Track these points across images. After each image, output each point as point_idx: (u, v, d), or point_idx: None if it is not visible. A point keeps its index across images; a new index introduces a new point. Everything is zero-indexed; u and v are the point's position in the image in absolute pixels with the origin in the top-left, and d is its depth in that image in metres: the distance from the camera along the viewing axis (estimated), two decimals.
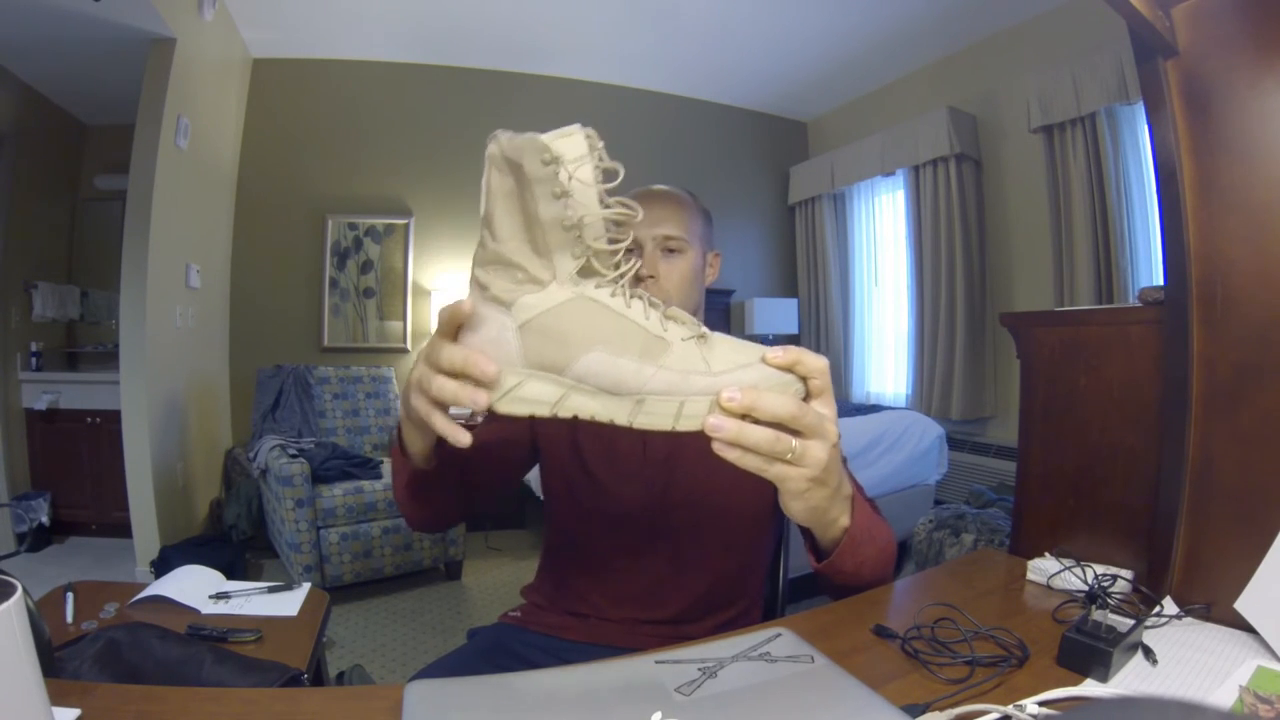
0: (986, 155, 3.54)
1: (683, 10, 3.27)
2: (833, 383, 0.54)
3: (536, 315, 0.49)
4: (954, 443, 3.34)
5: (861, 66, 3.92)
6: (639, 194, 0.94)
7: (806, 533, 0.67)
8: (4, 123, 3.07)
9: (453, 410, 0.52)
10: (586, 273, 0.49)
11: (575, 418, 0.49)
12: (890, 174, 3.98)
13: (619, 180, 0.48)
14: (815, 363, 0.50)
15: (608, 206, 0.48)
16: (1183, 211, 0.79)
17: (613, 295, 0.50)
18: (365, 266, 3.74)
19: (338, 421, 3.24)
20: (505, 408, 0.49)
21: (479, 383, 0.49)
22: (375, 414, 3.37)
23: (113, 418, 2.72)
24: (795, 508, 0.55)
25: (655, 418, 0.48)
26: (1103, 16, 1.36)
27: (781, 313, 4.42)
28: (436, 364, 0.51)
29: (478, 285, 0.51)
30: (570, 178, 0.46)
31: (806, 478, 0.51)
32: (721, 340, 0.51)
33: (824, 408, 0.51)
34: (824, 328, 4.50)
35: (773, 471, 0.50)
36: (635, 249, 0.90)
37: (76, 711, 0.52)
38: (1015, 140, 3.34)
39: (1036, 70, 3.05)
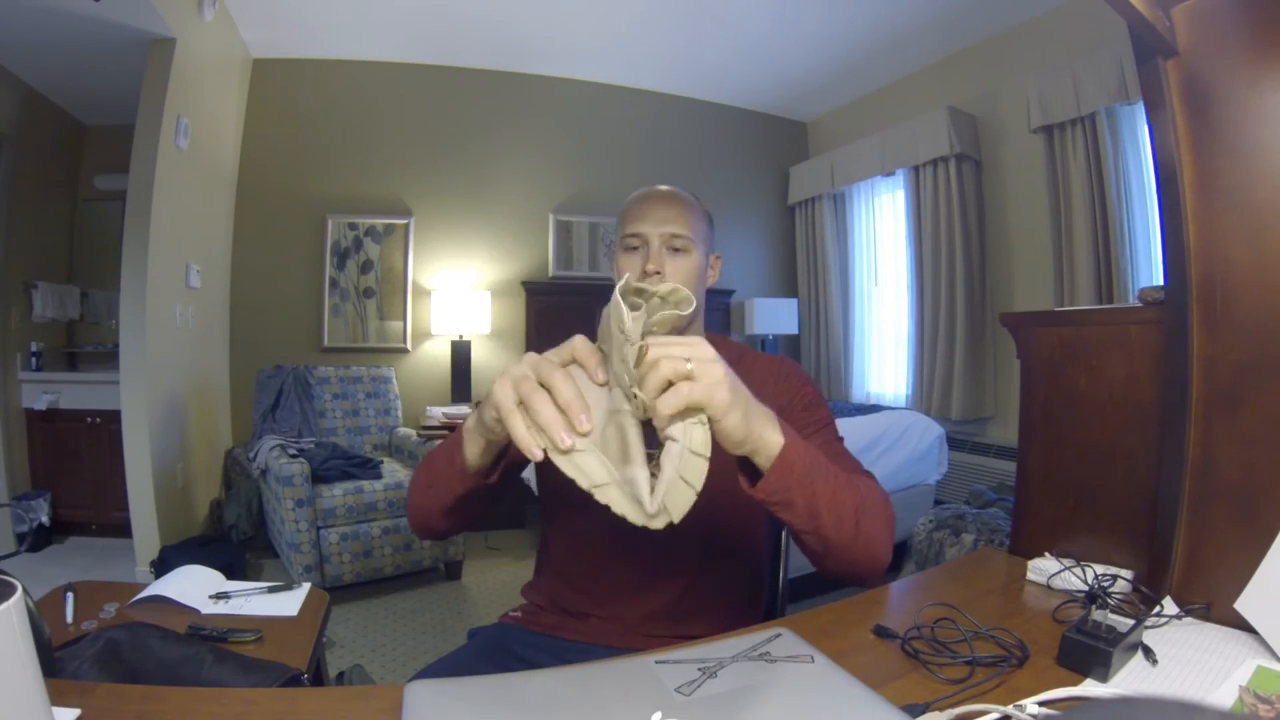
0: (986, 155, 3.54)
1: (683, 10, 3.27)
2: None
3: (623, 412, 0.55)
4: (954, 443, 3.34)
5: (861, 66, 3.92)
6: (646, 193, 0.95)
7: (743, 462, 0.67)
8: (4, 123, 3.07)
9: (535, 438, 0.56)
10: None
11: (607, 507, 0.53)
12: (890, 174, 3.98)
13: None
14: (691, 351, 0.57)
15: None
16: (1183, 211, 0.80)
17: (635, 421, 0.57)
18: (365, 266, 3.74)
19: (338, 421, 3.24)
20: (559, 460, 0.53)
21: (569, 426, 0.53)
22: (375, 414, 3.37)
23: (113, 418, 2.72)
24: (730, 423, 0.58)
25: (679, 502, 0.53)
26: (1103, 16, 1.36)
27: (781, 313, 4.42)
28: (548, 380, 0.55)
29: (602, 351, 0.59)
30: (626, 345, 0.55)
31: (715, 382, 0.56)
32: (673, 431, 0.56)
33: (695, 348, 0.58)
34: (824, 328, 4.50)
35: (695, 394, 0.55)
36: (642, 244, 0.91)
37: (76, 711, 0.52)
38: (1015, 140, 3.34)
39: (1036, 70, 3.05)
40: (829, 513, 0.68)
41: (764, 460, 0.64)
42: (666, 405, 0.53)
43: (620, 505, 0.53)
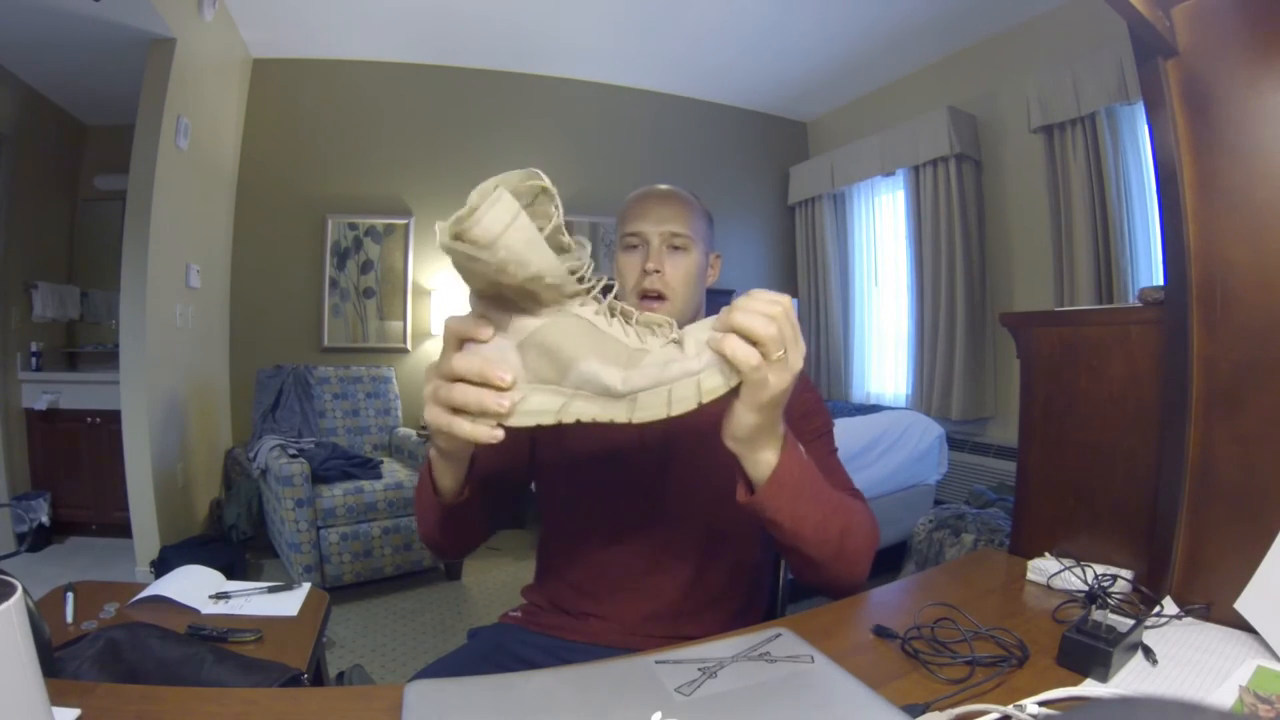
0: (986, 155, 3.54)
1: (683, 10, 3.27)
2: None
3: (531, 333, 0.53)
4: (954, 443, 3.34)
5: (861, 66, 3.92)
6: (645, 192, 0.95)
7: (738, 469, 0.67)
8: (4, 123, 3.07)
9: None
10: (567, 295, 0.54)
11: (579, 421, 0.53)
12: (890, 174, 3.97)
13: (558, 219, 0.51)
14: (775, 305, 0.56)
15: (563, 249, 0.52)
16: (1183, 211, 0.80)
17: (595, 313, 0.54)
18: (365, 266, 3.74)
19: (338, 421, 3.24)
20: (514, 421, 0.53)
21: (497, 389, 0.52)
22: (375, 414, 3.37)
23: (113, 418, 2.72)
24: (750, 421, 0.58)
25: (650, 409, 0.53)
26: (1103, 16, 1.35)
27: None
28: (451, 373, 0.53)
29: (476, 310, 0.56)
30: (498, 237, 0.48)
31: (781, 386, 0.56)
32: (692, 329, 0.56)
33: (796, 331, 0.57)
34: (824, 328, 4.50)
35: (759, 374, 0.54)
36: (641, 243, 0.91)
37: (76, 711, 0.52)
38: (1015, 140, 3.34)
39: (1036, 70, 3.05)
40: (813, 534, 0.70)
41: (756, 469, 0.65)
42: (742, 350, 0.53)
43: (590, 411, 0.52)
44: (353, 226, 3.71)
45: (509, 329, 0.53)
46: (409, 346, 3.81)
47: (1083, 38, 2.86)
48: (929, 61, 3.80)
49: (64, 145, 3.58)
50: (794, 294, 4.70)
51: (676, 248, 0.91)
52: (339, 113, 3.71)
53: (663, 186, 0.96)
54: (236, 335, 3.51)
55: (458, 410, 0.54)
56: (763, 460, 0.64)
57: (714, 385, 0.53)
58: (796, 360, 0.57)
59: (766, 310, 0.54)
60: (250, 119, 3.54)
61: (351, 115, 3.73)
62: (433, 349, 3.85)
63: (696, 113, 4.47)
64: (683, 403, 0.53)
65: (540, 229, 0.49)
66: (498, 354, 0.53)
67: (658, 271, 0.89)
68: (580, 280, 0.53)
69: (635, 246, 0.92)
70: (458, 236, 0.48)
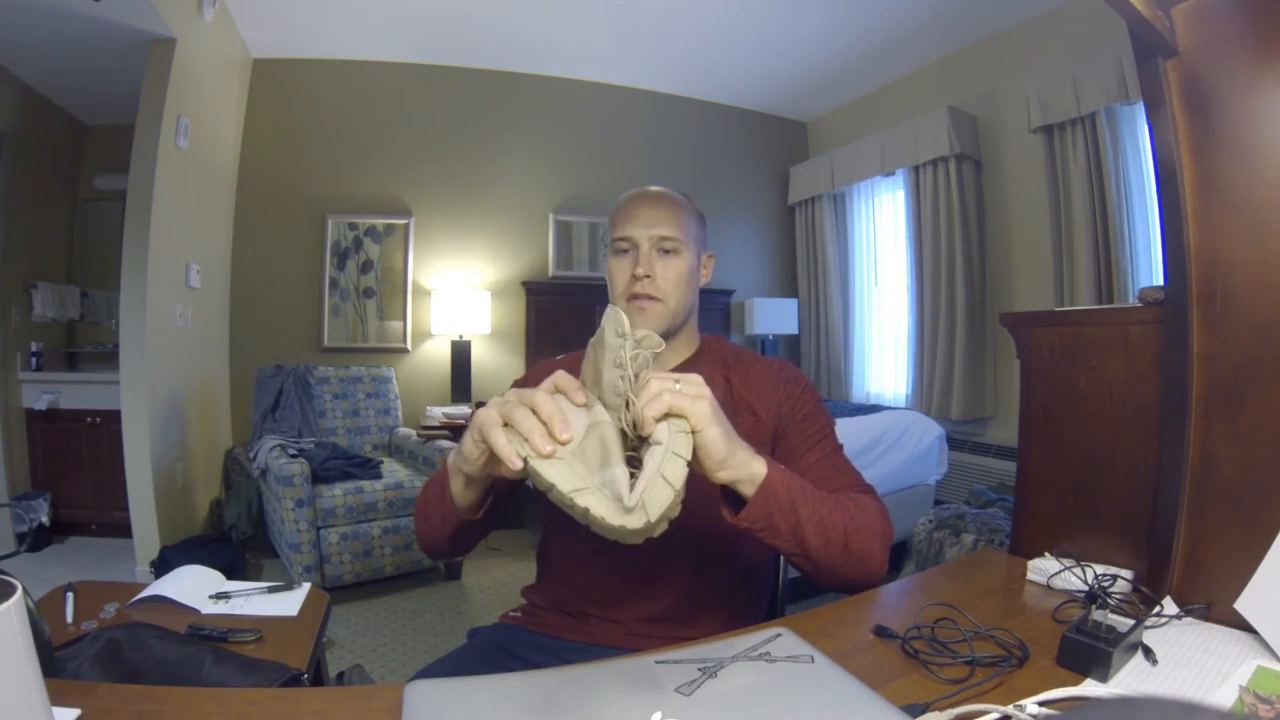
0: (986, 155, 3.54)
1: (682, 10, 3.27)
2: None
3: (600, 422, 0.60)
4: (954, 443, 3.34)
5: (861, 66, 3.92)
6: (635, 195, 0.95)
7: (726, 492, 0.70)
8: (4, 123, 3.07)
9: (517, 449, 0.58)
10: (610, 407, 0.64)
11: (586, 511, 0.54)
12: (890, 174, 3.97)
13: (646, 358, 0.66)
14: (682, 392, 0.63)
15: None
16: (1183, 211, 0.79)
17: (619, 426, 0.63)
18: (365, 266, 3.74)
19: (338, 421, 3.24)
20: (537, 465, 0.55)
21: (553, 437, 0.57)
22: (375, 414, 3.37)
23: (113, 418, 2.72)
24: (712, 435, 0.63)
25: (656, 502, 0.54)
26: (1103, 16, 1.36)
27: (781, 313, 4.42)
28: (531, 402, 0.58)
29: (582, 382, 0.66)
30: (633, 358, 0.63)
31: (697, 397, 0.62)
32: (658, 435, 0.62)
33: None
34: (824, 328, 4.50)
35: (681, 402, 0.61)
36: (631, 247, 0.91)
37: (76, 711, 0.52)
38: (1015, 140, 3.34)
39: (1036, 70, 3.05)
40: (815, 536, 0.71)
41: (747, 488, 0.68)
42: (652, 407, 0.59)
43: (599, 506, 0.54)
44: (353, 226, 3.71)
45: (593, 409, 0.62)
46: (409, 346, 3.81)
47: (1083, 38, 2.86)
48: (929, 61, 3.80)
49: (64, 145, 3.57)
50: (794, 294, 4.71)
51: (667, 250, 0.90)
52: (339, 113, 3.71)
53: (653, 188, 0.95)
54: (236, 335, 3.51)
55: (506, 425, 0.58)
56: (752, 469, 0.67)
57: (681, 441, 0.59)
58: (688, 387, 0.63)
59: (649, 385, 0.62)
60: (250, 119, 3.54)
61: (351, 115, 3.73)
62: (433, 349, 3.85)
63: (696, 113, 4.47)
64: (674, 471, 0.56)
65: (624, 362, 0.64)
66: (573, 417, 0.59)
67: (648, 276, 0.89)
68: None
69: (625, 251, 0.92)
70: (639, 341, 0.65)
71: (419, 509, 0.86)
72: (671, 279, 0.90)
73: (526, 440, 0.56)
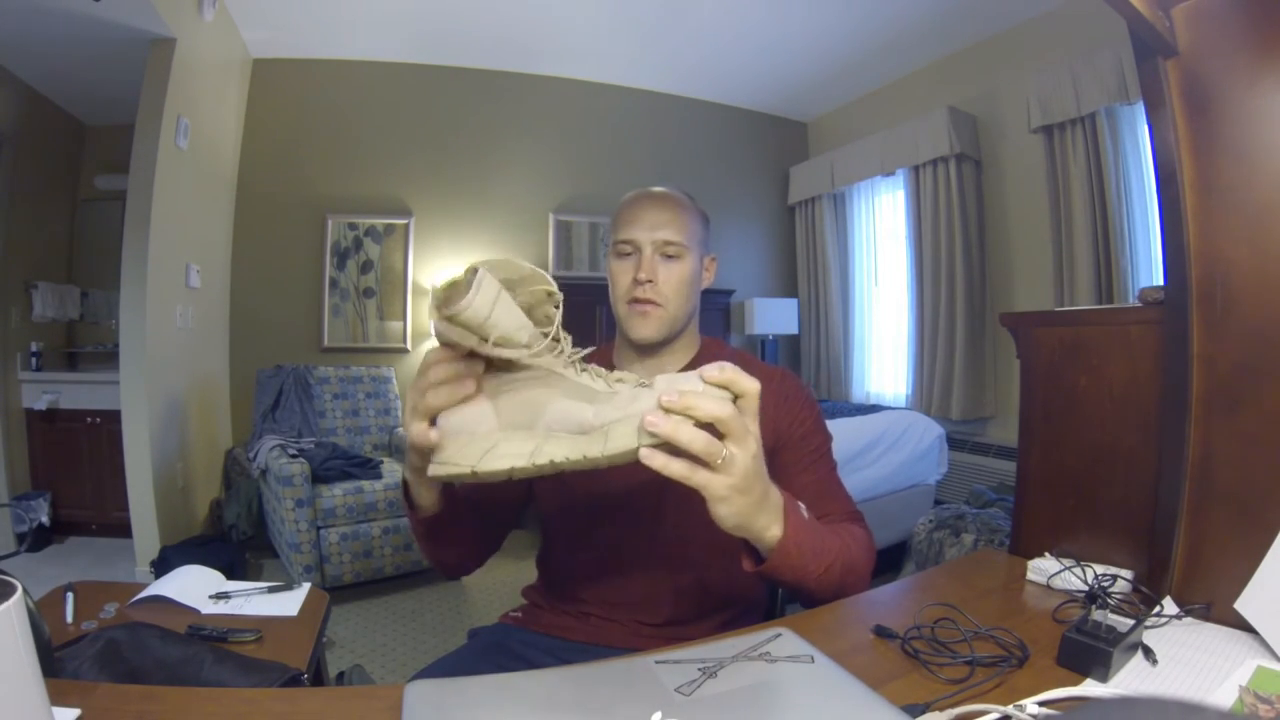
0: (986, 155, 3.54)
1: (682, 10, 3.27)
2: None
3: (503, 383, 0.56)
4: (954, 443, 3.34)
5: (861, 66, 3.91)
6: (638, 196, 0.93)
7: (740, 542, 0.68)
8: (4, 123, 3.07)
9: (448, 472, 0.56)
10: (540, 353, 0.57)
11: (551, 462, 0.53)
12: (890, 174, 3.97)
13: (550, 299, 0.57)
14: (748, 384, 0.55)
15: (548, 319, 0.57)
16: (1183, 211, 0.79)
17: (565, 366, 0.57)
18: (365, 266, 3.74)
19: (338, 421, 3.24)
20: (486, 466, 0.53)
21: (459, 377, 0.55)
22: (375, 414, 3.37)
23: (113, 418, 2.71)
24: (722, 512, 0.58)
25: (621, 440, 0.52)
26: (1103, 16, 1.36)
27: (781, 313, 4.42)
28: (423, 384, 0.56)
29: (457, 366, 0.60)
30: (487, 318, 0.52)
31: (728, 485, 0.56)
32: (664, 377, 0.57)
33: (750, 422, 0.57)
34: (824, 328, 4.50)
35: (697, 479, 0.55)
36: (634, 250, 0.90)
37: (76, 711, 0.52)
38: (1015, 140, 3.34)
39: (1036, 70, 3.05)
40: (816, 584, 0.72)
41: (762, 543, 0.66)
42: (657, 462, 0.52)
43: (562, 451, 0.52)
44: (353, 226, 3.71)
45: (485, 386, 0.57)
46: (409, 346, 3.81)
47: (1083, 38, 2.86)
48: (929, 61, 3.80)
49: (64, 145, 3.57)
50: (794, 294, 4.71)
51: (669, 255, 0.89)
52: (339, 113, 3.71)
53: (656, 189, 0.94)
54: (236, 335, 3.51)
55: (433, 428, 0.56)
56: (768, 535, 0.64)
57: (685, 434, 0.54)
58: (744, 458, 0.56)
59: (716, 400, 0.54)
60: (250, 119, 3.54)
61: (351, 115, 3.73)
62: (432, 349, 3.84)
63: (696, 113, 4.47)
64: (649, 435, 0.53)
65: (524, 304, 0.54)
66: (474, 410, 0.55)
67: (650, 281, 0.88)
68: (556, 341, 0.57)
69: (628, 254, 0.90)
70: (449, 319, 0.51)
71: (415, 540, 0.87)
72: (674, 284, 0.89)
73: (454, 386, 0.55)
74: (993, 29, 3.38)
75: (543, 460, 0.52)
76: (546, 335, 0.56)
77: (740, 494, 0.57)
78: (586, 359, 0.59)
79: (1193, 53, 0.78)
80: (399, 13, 3.27)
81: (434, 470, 0.55)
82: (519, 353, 0.54)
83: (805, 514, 0.70)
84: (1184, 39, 0.78)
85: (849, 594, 0.79)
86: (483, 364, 0.57)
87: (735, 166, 4.63)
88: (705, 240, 0.96)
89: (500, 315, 0.52)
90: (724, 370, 0.55)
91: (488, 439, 0.54)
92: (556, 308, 0.57)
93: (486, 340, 0.52)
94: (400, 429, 3.37)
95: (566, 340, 0.58)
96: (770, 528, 0.64)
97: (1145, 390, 0.85)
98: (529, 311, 0.56)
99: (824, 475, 0.91)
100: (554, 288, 0.56)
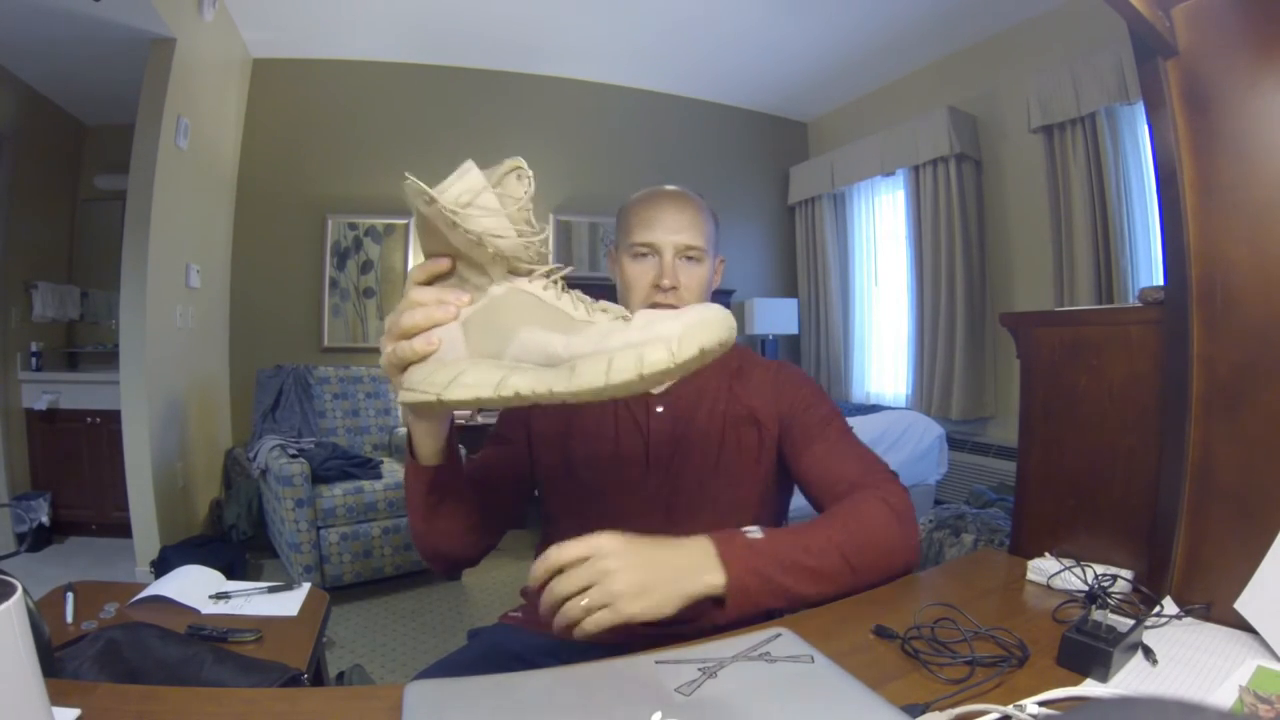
0: (986, 155, 3.54)
1: (682, 10, 3.27)
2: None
3: (475, 310, 0.55)
4: (954, 443, 3.34)
5: (861, 66, 3.92)
6: (654, 196, 0.92)
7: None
8: (4, 123, 3.07)
9: (415, 399, 0.56)
10: (518, 273, 0.56)
11: (517, 394, 0.51)
12: (890, 174, 3.98)
13: (525, 200, 0.56)
14: (563, 554, 0.63)
15: (528, 224, 0.55)
16: (1183, 211, 0.79)
17: (544, 289, 0.55)
18: (365, 266, 3.74)
19: (338, 421, 3.24)
20: (451, 394, 0.52)
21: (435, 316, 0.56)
22: (375, 414, 3.37)
23: (113, 418, 2.71)
24: (638, 607, 0.63)
25: (588, 377, 0.49)
26: (1103, 16, 1.35)
27: (781, 313, 4.42)
28: (394, 329, 0.57)
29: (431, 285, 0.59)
30: (467, 205, 0.52)
31: (622, 588, 0.62)
32: (644, 312, 0.54)
33: (600, 561, 0.62)
34: (824, 328, 4.50)
35: (603, 617, 0.61)
36: (652, 253, 0.89)
37: (76, 711, 0.52)
38: (1015, 140, 3.34)
39: (1036, 70, 3.05)
40: (812, 587, 0.70)
41: (714, 591, 0.66)
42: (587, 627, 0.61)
43: (527, 384, 0.51)
44: (353, 226, 3.71)
45: (465, 302, 0.56)
46: None
47: (1083, 38, 2.86)
48: (929, 61, 3.80)
49: (64, 145, 3.57)
50: (794, 294, 4.71)
51: (690, 259, 0.88)
52: (339, 113, 3.71)
53: (670, 188, 0.92)
54: (236, 335, 3.51)
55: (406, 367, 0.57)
56: (708, 585, 0.66)
57: (657, 359, 0.48)
58: (613, 569, 0.62)
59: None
60: (250, 119, 3.54)
61: (351, 115, 3.73)
62: None
63: (696, 113, 4.47)
64: (622, 373, 0.49)
65: (506, 206, 0.52)
66: (443, 333, 0.55)
67: (673, 288, 0.86)
68: (533, 258, 0.55)
69: (646, 255, 0.89)
70: (430, 202, 0.51)
71: (408, 510, 0.83)
72: (694, 288, 0.88)
73: (431, 320, 0.55)
74: (993, 29, 3.38)
75: (508, 392, 0.50)
76: (527, 249, 0.55)
77: (639, 583, 0.62)
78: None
79: (1193, 53, 0.78)
80: (399, 13, 3.27)
81: (403, 397, 0.55)
82: (496, 244, 0.52)
83: (758, 534, 0.69)
84: (1184, 39, 0.78)
85: (896, 567, 0.76)
86: (467, 296, 0.56)
87: (735, 166, 4.63)
88: (717, 240, 0.95)
89: (482, 208, 0.51)
90: (545, 560, 0.63)
91: (455, 366, 0.53)
92: (526, 192, 0.55)
93: (465, 240, 0.52)
94: (400, 429, 3.37)
95: (544, 239, 0.57)
96: (702, 577, 0.65)
97: (1145, 390, 0.85)
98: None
99: (834, 441, 0.89)
100: (521, 163, 0.55)
